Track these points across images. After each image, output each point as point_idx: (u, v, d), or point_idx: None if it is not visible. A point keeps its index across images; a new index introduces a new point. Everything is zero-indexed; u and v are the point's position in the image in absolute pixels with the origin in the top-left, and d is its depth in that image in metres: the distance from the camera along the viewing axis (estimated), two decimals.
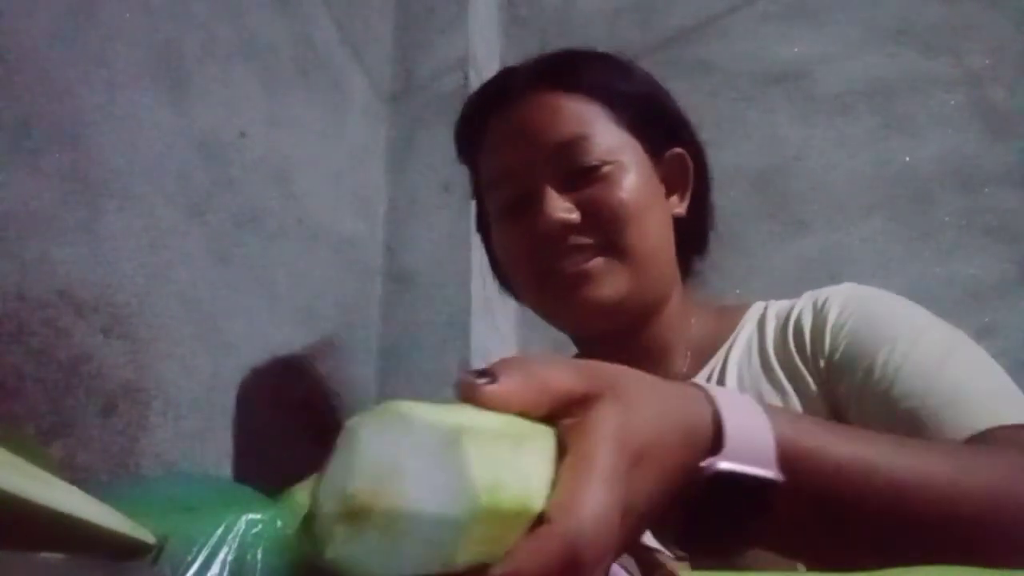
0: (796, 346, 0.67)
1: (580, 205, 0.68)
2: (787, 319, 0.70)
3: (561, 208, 0.68)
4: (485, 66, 1.41)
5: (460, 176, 1.27)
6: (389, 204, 1.29)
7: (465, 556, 0.24)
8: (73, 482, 0.35)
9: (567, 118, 0.70)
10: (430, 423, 0.25)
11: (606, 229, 0.68)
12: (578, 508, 0.27)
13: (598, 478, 0.28)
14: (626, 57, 0.78)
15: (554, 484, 0.28)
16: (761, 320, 0.73)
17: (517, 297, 0.83)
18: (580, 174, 0.69)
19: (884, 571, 0.32)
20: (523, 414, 0.30)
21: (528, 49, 1.51)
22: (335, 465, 0.26)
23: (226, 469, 0.78)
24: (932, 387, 0.55)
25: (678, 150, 0.75)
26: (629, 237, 0.68)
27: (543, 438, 0.30)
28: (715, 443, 0.35)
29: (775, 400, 0.66)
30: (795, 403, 0.65)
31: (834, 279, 1.24)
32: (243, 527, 0.40)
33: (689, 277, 0.80)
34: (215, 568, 0.37)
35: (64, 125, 0.64)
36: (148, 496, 0.49)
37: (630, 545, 0.34)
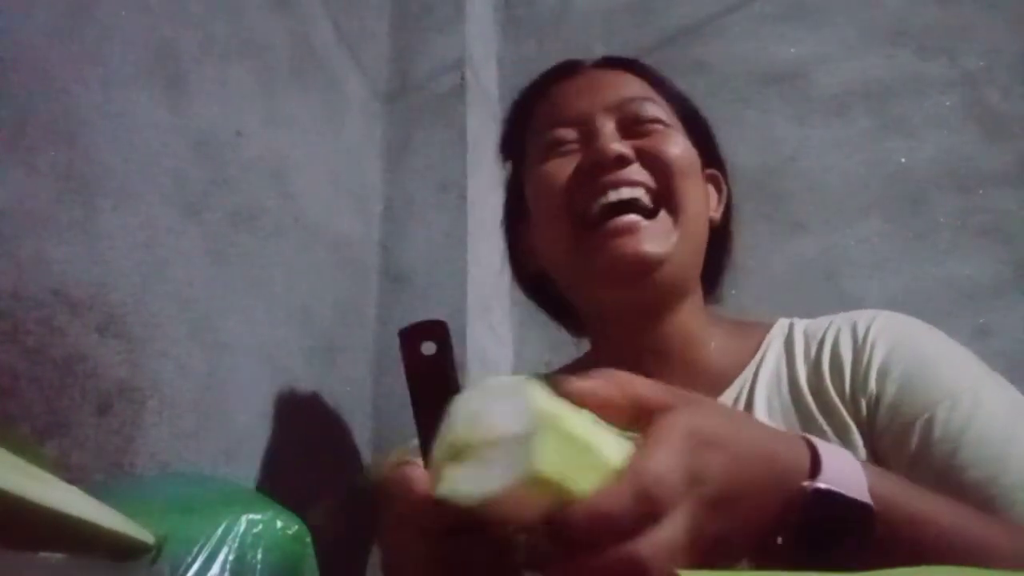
0: (833, 379, 0.64)
1: (637, 151, 0.68)
2: (820, 345, 0.67)
3: (619, 142, 0.68)
4: (482, 66, 1.41)
5: (457, 176, 1.27)
6: (385, 203, 1.29)
7: (544, 467, 0.30)
8: (68, 482, 0.35)
9: (636, 85, 0.73)
10: (504, 380, 0.33)
11: (660, 176, 0.68)
12: (646, 462, 0.32)
13: (664, 445, 0.33)
14: None
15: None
16: (788, 342, 0.70)
17: (543, 269, 0.76)
18: (640, 123, 0.70)
19: (884, 571, 0.32)
20: (605, 416, 0.35)
21: (525, 49, 1.52)
22: (442, 429, 0.33)
23: (222, 469, 0.78)
24: (1004, 463, 0.54)
25: (715, 172, 0.78)
26: (680, 191, 0.68)
27: (619, 434, 0.35)
28: (811, 471, 0.39)
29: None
30: (829, 438, 0.61)
31: (830, 280, 1.25)
32: (243, 527, 0.40)
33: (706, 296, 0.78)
34: (215, 568, 0.37)
35: (60, 124, 0.64)
36: (147, 496, 0.49)
37: (713, 532, 0.35)
